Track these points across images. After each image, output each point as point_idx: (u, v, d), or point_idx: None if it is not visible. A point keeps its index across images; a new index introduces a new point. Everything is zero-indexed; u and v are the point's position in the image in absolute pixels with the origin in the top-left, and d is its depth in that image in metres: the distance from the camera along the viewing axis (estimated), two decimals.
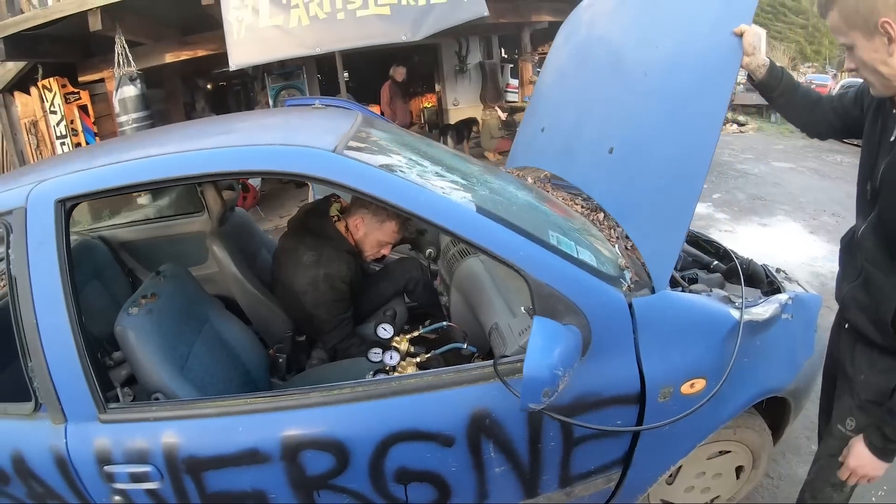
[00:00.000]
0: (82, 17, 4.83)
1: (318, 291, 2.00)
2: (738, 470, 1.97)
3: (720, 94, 1.50)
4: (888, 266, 1.30)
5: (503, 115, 8.69)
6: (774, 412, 1.95)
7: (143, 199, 4.63)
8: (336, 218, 2.10)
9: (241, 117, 2.38)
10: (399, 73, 7.93)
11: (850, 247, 1.47)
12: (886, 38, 1.12)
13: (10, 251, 1.30)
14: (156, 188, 1.80)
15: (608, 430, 1.45)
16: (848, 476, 1.43)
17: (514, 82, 11.42)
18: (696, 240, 2.26)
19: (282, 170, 1.33)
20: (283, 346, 2.08)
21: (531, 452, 1.42)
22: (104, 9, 4.81)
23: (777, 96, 1.56)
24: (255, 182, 6.31)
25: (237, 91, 10.92)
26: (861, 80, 1.32)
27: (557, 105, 2.33)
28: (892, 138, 1.26)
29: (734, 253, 2.03)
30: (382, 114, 7.83)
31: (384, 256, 2.22)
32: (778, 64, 1.55)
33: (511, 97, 11.10)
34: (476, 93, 10.24)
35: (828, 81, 18.55)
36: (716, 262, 2.02)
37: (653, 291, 1.45)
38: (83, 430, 1.27)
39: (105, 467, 1.26)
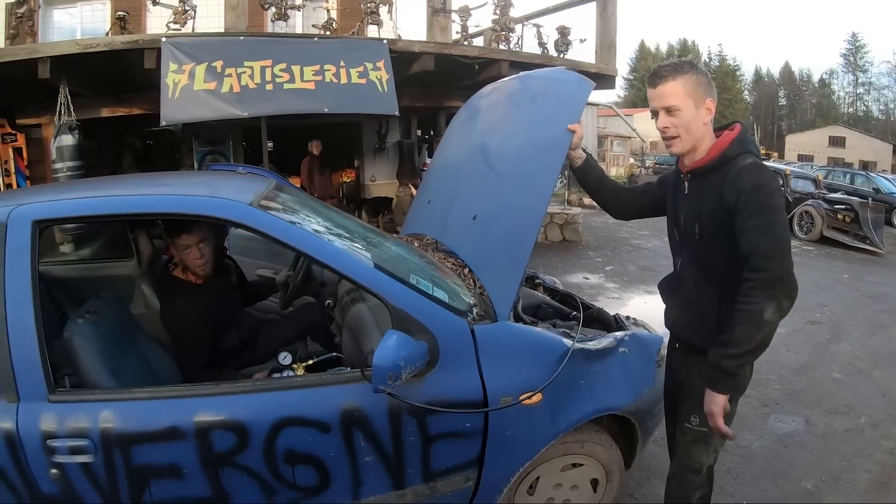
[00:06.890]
0: (32, 63, 5.35)
1: (179, 335, 2.42)
2: (595, 484, 2.46)
3: (550, 176, 2.20)
4: (702, 284, 1.90)
5: (416, 193, 9.36)
6: (627, 435, 2.51)
7: (66, 248, 4.99)
8: (172, 266, 2.60)
9: (179, 175, 2.95)
10: (315, 146, 8.72)
11: (671, 284, 2.08)
12: (706, 111, 1.82)
13: None
14: (112, 222, 2.47)
15: (456, 410, 1.94)
16: (715, 427, 1.77)
17: (430, 161, 12.15)
18: (564, 297, 2.95)
19: (211, 215, 1.92)
20: None
21: (394, 445, 1.94)
22: (54, 59, 5.37)
23: (589, 182, 2.24)
24: None
25: (164, 151, 11.43)
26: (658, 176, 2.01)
27: (441, 180, 3.06)
28: (686, 192, 1.94)
29: (582, 301, 2.70)
30: (302, 186, 8.55)
31: (207, 264, 2.50)
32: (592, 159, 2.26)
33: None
34: (393, 170, 11.16)
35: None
36: (574, 313, 2.67)
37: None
38: (33, 409, 1.71)
39: (48, 441, 1.70)
